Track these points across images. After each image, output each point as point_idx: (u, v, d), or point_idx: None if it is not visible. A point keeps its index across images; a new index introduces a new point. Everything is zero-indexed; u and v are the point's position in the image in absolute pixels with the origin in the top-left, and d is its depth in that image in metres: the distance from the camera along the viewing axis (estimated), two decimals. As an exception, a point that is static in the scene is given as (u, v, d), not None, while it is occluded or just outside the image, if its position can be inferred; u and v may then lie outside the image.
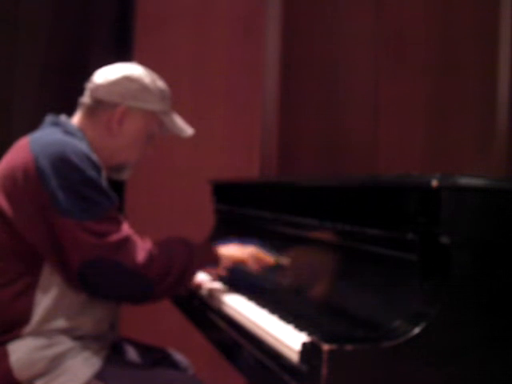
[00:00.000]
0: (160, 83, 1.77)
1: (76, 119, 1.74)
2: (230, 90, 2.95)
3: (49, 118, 1.71)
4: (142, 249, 1.57)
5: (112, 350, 1.71)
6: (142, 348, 1.88)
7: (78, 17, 3.09)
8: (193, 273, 1.68)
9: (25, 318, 1.55)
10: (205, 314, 1.77)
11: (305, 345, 1.13)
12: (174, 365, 1.89)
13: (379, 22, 2.77)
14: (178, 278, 1.62)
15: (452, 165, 2.54)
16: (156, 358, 1.87)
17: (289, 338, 1.26)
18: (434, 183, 1.16)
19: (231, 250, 1.78)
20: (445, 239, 1.16)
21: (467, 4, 2.65)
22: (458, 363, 1.16)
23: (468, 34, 2.65)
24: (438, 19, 2.72)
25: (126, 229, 1.58)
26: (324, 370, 1.07)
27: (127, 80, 1.71)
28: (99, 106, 1.71)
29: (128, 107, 1.71)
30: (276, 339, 1.30)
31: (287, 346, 1.23)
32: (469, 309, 1.16)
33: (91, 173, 1.55)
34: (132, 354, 1.84)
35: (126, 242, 1.55)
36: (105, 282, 1.56)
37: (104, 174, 1.63)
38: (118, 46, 3.12)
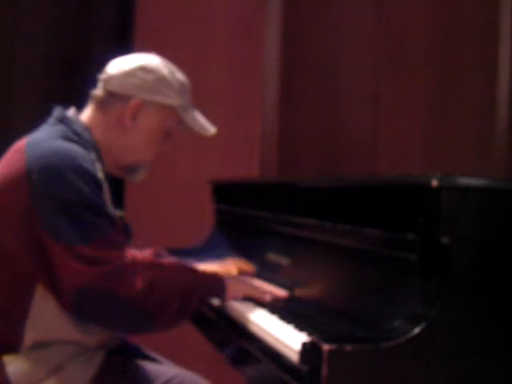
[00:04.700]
0: (179, 75, 1.64)
1: (85, 114, 1.62)
2: (230, 90, 2.95)
3: (56, 112, 1.58)
4: (142, 277, 1.42)
5: (111, 352, 1.65)
6: (142, 352, 1.85)
7: (78, 16, 3.10)
8: (197, 302, 1.52)
9: (15, 345, 1.46)
10: (203, 313, 1.77)
11: (305, 345, 1.13)
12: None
13: (379, 21, 2.77)
14: (180, 308, 1.47)
15: (452, 165, 2.53)
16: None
17: (289, 338, 1.25)
18: (434, 183, 1.16)
19: (238, 286, 1.64)
20: (445, 239, 1.16)
21: (468, 3, 2.65)
22: (458, 363, 1.15)
23: (468, 34, 2.65)
24: (439, 19, 2.72)
25: (125, 255, 1.44)
26: (324, 370, 1.07)
27: (143, 70, 1.57)
28: (111, 99, 1.58)
29: (143, 100, 1.57)
30: (276, 339, 1.29)
31: (287, 346, 1.23)
32: (469, 309, 1.16)
33: (89, 191, 1.42)
34: (131, 356, 1.82)
35: (123, 270, 1.41)
36: (99, 313, 1.43)
37: (106, 188, 1.52)
38: (118, 46, 3.12)
